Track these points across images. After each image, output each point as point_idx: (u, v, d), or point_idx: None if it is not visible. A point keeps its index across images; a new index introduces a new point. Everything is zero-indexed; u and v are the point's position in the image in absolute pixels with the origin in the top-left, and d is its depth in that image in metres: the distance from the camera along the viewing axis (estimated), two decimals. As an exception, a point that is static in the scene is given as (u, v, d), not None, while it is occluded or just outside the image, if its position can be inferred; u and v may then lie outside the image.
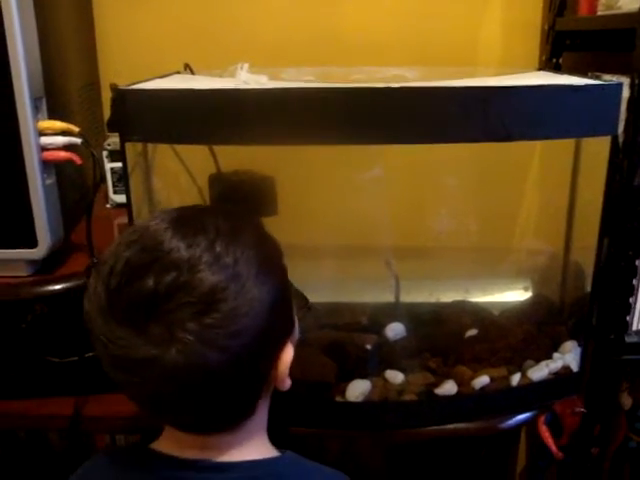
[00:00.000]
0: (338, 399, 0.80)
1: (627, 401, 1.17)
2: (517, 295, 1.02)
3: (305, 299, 0.86)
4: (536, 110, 0.70)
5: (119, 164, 0.75)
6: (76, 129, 0.79)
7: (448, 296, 0.99)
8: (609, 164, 0.78)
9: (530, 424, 0.92)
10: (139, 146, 0.84)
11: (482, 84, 0.69)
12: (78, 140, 0.79)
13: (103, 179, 1.07)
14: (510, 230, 1.02)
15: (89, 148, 0.79)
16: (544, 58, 1.19)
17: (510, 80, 0.81)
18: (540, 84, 0.72)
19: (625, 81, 0.83)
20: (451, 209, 0.96)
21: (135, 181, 0.85)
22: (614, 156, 0.78)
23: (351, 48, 1.16)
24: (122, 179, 0.80)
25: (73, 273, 0.84)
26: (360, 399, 0.80)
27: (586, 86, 0.71)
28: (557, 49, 1.16)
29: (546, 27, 1.18)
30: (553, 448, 0.96)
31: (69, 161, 0.80)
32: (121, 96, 0.72)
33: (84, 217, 0.80)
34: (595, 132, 0.75)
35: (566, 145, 0.90)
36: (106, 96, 1.14)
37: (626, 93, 0.83)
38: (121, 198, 1.05)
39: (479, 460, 1.13)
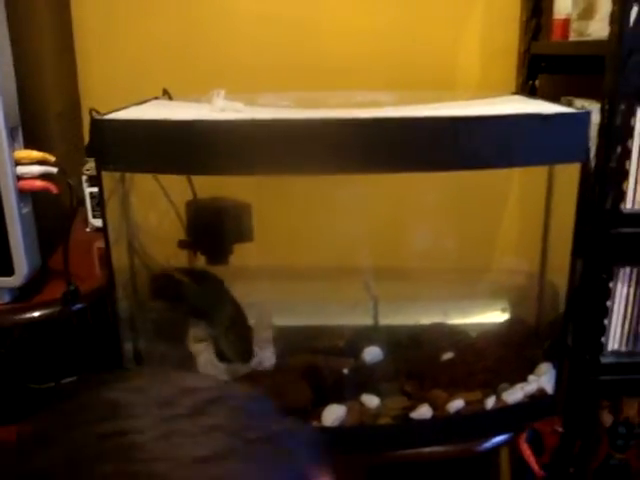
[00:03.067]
0: (314, 424, 0.81)
1: (608, 419, 1.18)
2: (495, 317, 1.03)
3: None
4: (505, 139, 0.71)
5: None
6: (52, 158, 0.79)
7: (427, 318, 1.00)
8: (579, 189, 0.79)
9: (510, 444, 0.93)
10: (117, 173, 0.84)
11: (452, 114, 0.70)
12: (54, 169, 0.79)
13: (82, 203, 1.07)
14: (488, 253, 1.03)
15: (65, 177, 0.79)
16: (521, 80, 1.21)
17: (482, 106, 0.82)
18: (509, 114, 0.73)
19: (597, 106, 0.84)
20: (429, 233, 0.96)
21: (113, 206, 0.85)
22: (585, 181, 0.79)
23: (329, 72, 1.16)
24: (100, 204, 0.81)
25: (50, 300, 0.84)
26: (336, 424, 0.81)
27: (555, 115, 0.73)
28: (533, 72, 1.18)
29: (522, 50, 1.20)
30: (534, 466, 0.97)
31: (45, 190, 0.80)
32: (98, 126, 0.73)
33: (62, 243, 0.81)
34: (564, 159, 0.76)
35: (542, 170, 0.91)
36: (86, 120, 1.14)
37: (598, 118, 0.84)
38: (100, 222, 1.05)
39: None
